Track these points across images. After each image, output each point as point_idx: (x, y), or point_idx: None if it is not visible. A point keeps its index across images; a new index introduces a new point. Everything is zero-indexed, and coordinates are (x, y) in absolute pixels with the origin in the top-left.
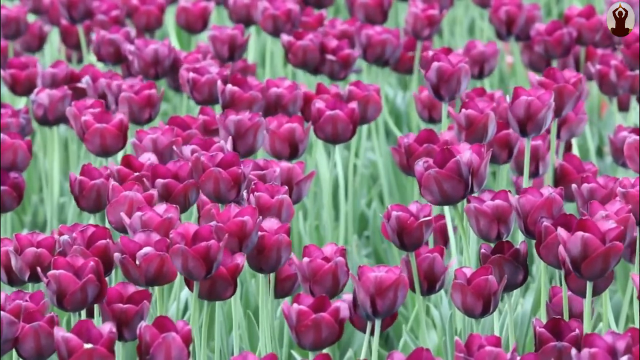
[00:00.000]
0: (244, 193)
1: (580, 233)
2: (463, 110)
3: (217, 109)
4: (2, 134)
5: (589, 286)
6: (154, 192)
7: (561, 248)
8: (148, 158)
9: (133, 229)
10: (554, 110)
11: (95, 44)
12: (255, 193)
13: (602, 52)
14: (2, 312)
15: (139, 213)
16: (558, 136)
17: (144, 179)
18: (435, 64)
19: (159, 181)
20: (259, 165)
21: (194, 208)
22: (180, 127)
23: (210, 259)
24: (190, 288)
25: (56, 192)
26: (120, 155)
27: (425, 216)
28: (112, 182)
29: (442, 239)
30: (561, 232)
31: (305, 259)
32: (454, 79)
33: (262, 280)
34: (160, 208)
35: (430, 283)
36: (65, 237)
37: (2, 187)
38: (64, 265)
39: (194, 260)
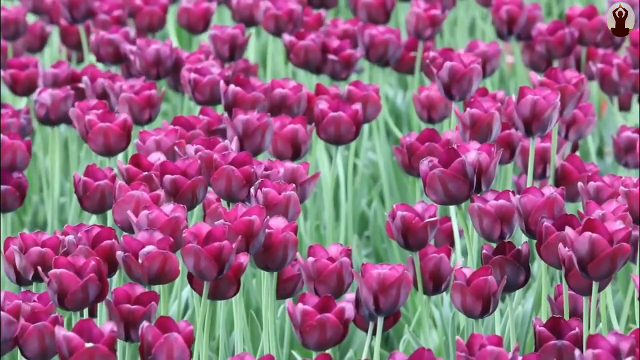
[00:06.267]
0: (252, 190)
1: (588, 233)
2: (468, 109)
3: (219, 110)
4: (1, 134)
5: (595, 286)
6: (160, 192)
7: (561, 247)
8: (158, 158)
9: (139, 227)
10: None
11: (94, 44)
12: (263, 189)
13: (605, 52)
14: (1, 312)
15: (145, 211)
16: (566, 137)
17: (154, 177)
18: (447, 64)
19: (167, 177)
20: (265, 165)
21: (201, 207)
22: (184, 127)
23: (223, 259)
24: (194, 287)
25: (57, 192)
26: (120, 156)
27: (430, 216)
28: (119, 181)
29: (447, 239)
30: (569, 231)
31: (311, 259)
32: (466, 79)
33: (265, 279)
34: (167, 207)
35: (436, 283)
36: (71, 237)
37: (4, 187)
38: (65, 264)
39: (206, 260)
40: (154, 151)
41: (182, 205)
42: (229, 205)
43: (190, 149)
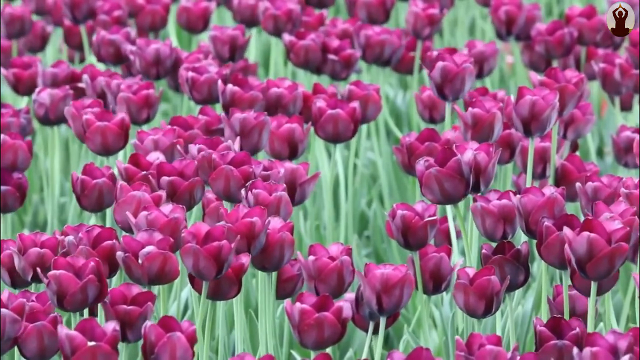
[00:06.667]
0: (242, 191)
1: (586, 233)
2: (470, 109)
3: (217, 109)
4: (2, 134)
5: (594, 286)
6: (162, 193)
7: (567, 247)
8: (157, 157)
9: (139, 228)
10: None
11: (95, 45)
12: (254, 190)
13: (605, 52)
14: (5, 309)
15: (144, 212)
16: (565, 136)
17: (150, 178)
18: (439, 64)
19: (165, 179)
20: (264, 165)
21: (199, 207)
22: (182, 127)
23: (222, 259)
24: (195, 287)
25: (57, 192)
26: (120, 155)
27: (430, 216)
28: (120, 181)
29: (446, 238)
30: (567, 232)
31: (311, 257)
32: (459, 79)
33: (262, 279)
34: (167, 208)
35: (436, 283)
36: (71, 237)
37: (4, 187)
38: (65, 265)
39: (205, 260)
40: (152, 151)
41: (181, 205)
42: (231, 205)
43: (193, 148)
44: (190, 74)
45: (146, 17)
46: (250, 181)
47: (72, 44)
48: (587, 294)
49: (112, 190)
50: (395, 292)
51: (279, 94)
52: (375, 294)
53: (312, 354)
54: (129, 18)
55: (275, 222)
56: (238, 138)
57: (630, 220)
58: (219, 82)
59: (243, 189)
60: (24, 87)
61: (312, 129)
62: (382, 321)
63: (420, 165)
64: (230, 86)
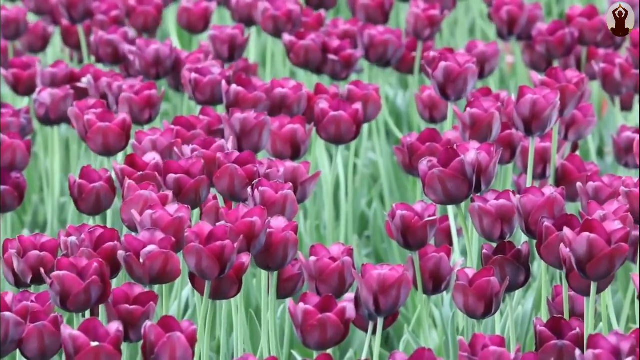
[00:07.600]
0: (249, 190)
1: (586, 234)
2: (468, 109)
3: (219, 109)
4: (1, 134)
5: (593, 287)
6: (169, 192)
7: (562, 247)
8: (153, 157)
9: (143, 227)
10: None
11: (94, 44)
12: (260, 188)
13: (605, 52)
14: (8, 313)
15: (149, 211)
16: (566, 138)
17: (157, 175)
18: (442, 64)
19: (171, 176)
20: (264, 164)
21: None
22: (184, 127)
23: (224, 259)
24: (195, 287)
25: (57, 192)
26: (120, 155)
27: (430, 216)
28: (127, 181)
29: (447, 238)
30: (567, 232)
31: (312, 258)
32: (461, 78)
33: (265, 279)
34: (172, 207)
35: (436, 283)
36: (73, 238)
37: (3, 187)
38: (68, 266)
39: (207, 260)
40: (150, 151)
41: (186, 205)
42: (226, 203)
43: (187, 149)
44: (194, 75)
45: (139, 18)
46: (256, 179)
47: (70, 44)
48: (584, 294)
49: (110, 193)
50: (392, 293)
51: (284, 95)
52: (372, 295)
53: (314, 354)
54: (125, 19)
55: (279, 222)
56: (232, 137)
57: (624, 217)
58: (223, 82)
59: (249, 187)
60: (23, 87)
61: (313, 129)
62: (380, 322)
63: (423, 165)
64: (234, 86)
